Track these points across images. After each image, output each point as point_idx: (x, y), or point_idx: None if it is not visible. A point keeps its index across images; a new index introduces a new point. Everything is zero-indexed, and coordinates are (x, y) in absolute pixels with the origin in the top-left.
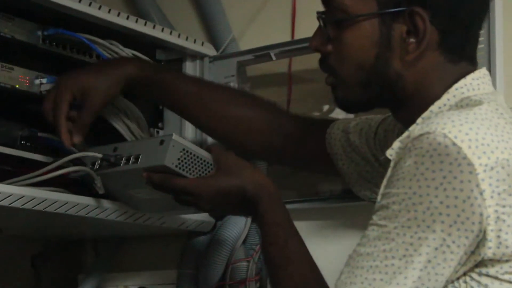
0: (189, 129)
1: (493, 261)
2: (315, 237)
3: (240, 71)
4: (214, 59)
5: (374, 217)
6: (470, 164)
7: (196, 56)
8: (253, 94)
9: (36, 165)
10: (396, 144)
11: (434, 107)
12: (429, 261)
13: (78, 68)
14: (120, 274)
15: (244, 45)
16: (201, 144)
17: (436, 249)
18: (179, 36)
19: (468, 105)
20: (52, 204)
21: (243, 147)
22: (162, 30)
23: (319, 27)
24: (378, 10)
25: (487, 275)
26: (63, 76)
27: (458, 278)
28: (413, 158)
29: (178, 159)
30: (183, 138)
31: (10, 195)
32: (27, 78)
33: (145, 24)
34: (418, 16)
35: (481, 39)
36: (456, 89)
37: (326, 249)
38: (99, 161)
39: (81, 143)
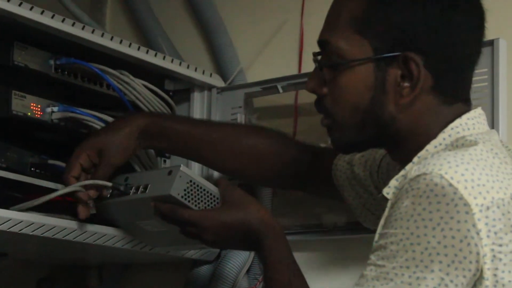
0: None
1: None
2: (317, 269)
3: (247, 103)
4: (222, 90)
5: (372, 257)
6: (466, 204)
7: (204, 87)
8: (260, 126)
9: (46, 192)
10: (393, 182)
11: (430, 146)
12: None
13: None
14: None
15: (251, 77)
16: (207, 176)
17: None
18: (188, 67)
19: (464, 145)
20: (50, 229)
21: (254, 178)
22: (172, 61)
23: (315, 68)
24: (373, 55)
25: None
26: (80, 143)
27: None
28: (411, 199)
29: (185, 190)
30: (191, 170)
31: (9, 220)
32: (39, 106)
33: (155, 55)
34: (412, 61)
35: (484, 77)
36: (452, 128)
37: (331, 282)
38: (110, 191)
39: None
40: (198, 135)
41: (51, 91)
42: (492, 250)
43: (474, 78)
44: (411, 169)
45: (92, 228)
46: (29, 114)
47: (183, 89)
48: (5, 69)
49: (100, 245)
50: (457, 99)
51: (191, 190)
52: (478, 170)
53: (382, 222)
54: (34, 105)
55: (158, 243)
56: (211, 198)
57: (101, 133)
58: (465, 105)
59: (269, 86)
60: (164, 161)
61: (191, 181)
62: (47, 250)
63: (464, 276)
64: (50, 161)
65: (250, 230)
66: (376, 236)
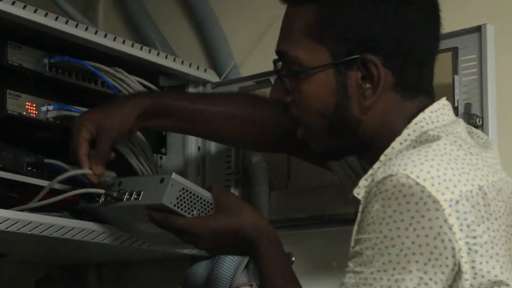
0: (192, 153)
1: None
2: (319, 260)
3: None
4: (216, 85)
5: (350, 264)
6: (435, 201)
7: (199, 82)
8: (257, 95)
9: (54, 194)
10: (362, 182)
11: (395, 143)
12: None
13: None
14: None
15: (245, 72)
16: (203, 176)
17: None
18: (182, 63)
19: (427, 140)
20: (48, 228)
21: (254, 146)
22: (166, 57)
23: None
24: (331, 60)
25: None
26: (77, 117)
27: None
28: (380, 202)
29: (177, 198)
30: (182, 177)
31: (7, 219)
32: (34, 105)
33: (149, 52)
34: (371, 62)
35: (472, 63)
36: (416, 123)
37: (332, 272)
38: (104, 196)
39: (107, 175)
40: (197, 111)
41: (46, 90)
42: (467, 243)
43: (462, 65)
44: (378, 170)
45: (90, 226)
46: (24, 113)
47: (178, 85)
48: None
49: (99, 243)
50: (420, 93)
51: (184, 197)
52: (443, 165)
53: (355, 227)
54: (29, 104)
55: (157, 242)
56: (204, 204)
57: (100, 109)
58: (428, 98)
59: (262, 80)
60: (161, 157)
61: (183, 188)
62: (46, 249)
63: (443, 272)
64: (47, 160)
65: (244, 236)
66: (352, 242)
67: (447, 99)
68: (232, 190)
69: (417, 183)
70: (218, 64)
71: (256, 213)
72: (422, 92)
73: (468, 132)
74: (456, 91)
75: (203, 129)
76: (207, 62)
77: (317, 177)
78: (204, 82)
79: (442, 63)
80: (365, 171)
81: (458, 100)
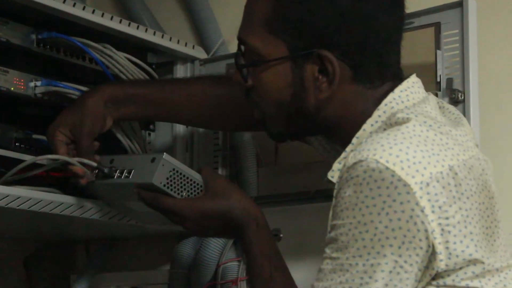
0: (180, 130)
1: (448, 271)
2: (309, 235)
3: (229, 74)
4: (204, 62)
5: (327, 250)
6: (406, 184)
7: (187, 59)
8: (225, 76)
9: (31, 167)
10: (336, 165)
11: (366, 125)
12: (386, 285)
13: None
14: (112, 274)
15: (233, 48)
16: (192, 152)
17: (390, 272)
18: (170, 39)
19: (397, 123)
20: (36, 203)
21: (225, 127)
22: (154, 34)
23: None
24: (288, 53)
25: (445, 285)
26: (49, 125)
27: None
28: (352, 188)
29: (167, 178)
30: (173, 158)
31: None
32: (22, 81)
33: (137, 28)
34: (326, 58)
35: (455, 38)
36: (386, 104)
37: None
38: (96, 171)
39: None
40: (165, 97)
41: (34, 66)
42: (440, 224)
43: (445, 40)
44: (349, 154)
45: (79, 201)
46: (12, 89)
47: (166, 61)
48: None
49: (87, 218)
50: (384, 80)
51: (174, 178)
52: (412, 148)
53: (331, 212)
54: (17, 79)
55: (145, 221)
56: (194, 186)
57: (67, 110)
58: (396, 82)
59: None
60: (149, 134)
61: (174, 169)
62: (34, 225)
63: (417, 255)
64: (35, 136)
65: (232, 220)
66: (328, 227)
67: (431, 75)
68: (220, 167)
69: (387, 168)
70: (206, 41)
71: (245, 196)
72: (387, 79)
73: (440, 107)
74: (439, 66)
75: (169, 115)
76: (195, 39)
77: (305, 153)
78: (192, 59)
79: (425, 38)
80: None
81: (440, 75)
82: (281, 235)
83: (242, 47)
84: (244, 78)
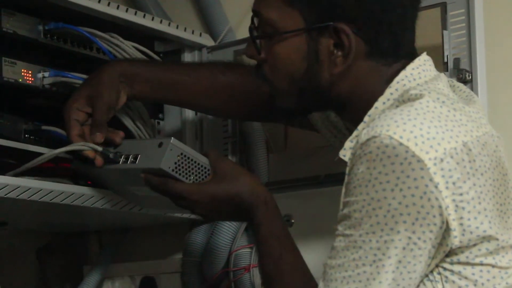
0: (189, 118)
1: (462, 248)
2: (320, 220)
3: (237, 60)
4: (212, 49)
5: (340, 228)
6: (419, 160)
7: (194, 46)
8: (235, 63)
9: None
10: (348, 144)
11: (378, 103)
12: (400, 262)
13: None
14: (125, 264)
15: (240, 35)
16: (201, 140)
17: (403, 248)
18: (177, 27)
19: (410, 99)
20: (47, 194)
21: (230, 114)
22: (161, 22)
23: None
24: (304, 26)
25: (459, 263)
26: (66, 102)
27: (432, 271)
28: (365, 164)
29: (175, 163)
30: (181, 142)
31: (6, 186)
32: (30, 72)
33: (144, 17)
34: (342, 31)
35: (461, 18)
36: (398, 82)
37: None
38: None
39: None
40: (176, 78)
41: (41, 57)
42: (454, 200)
43: (451, 20)
44: (362, 131)
45: (89, 191)
46: (20, 80)
47: (174, 50)
48: None
49: (98, 208)
50: (398, 58)
51: (182, 163)
52: (426, 123)
53: (343, 189)
54: (25, 71)
55: (149, 206)
56: (202, 170)
57: (82, 85)
58: (409, 60)
59: None
60: (158, 122)
61: (182, 153)
62: (46, 217)
63: (431, 231)
64: (44, 127)
65: (242, 202)
66: (341, 205)
67: (438, 55)
68: (229, 154)
69: (401, 144)
70: (213, 28)
71: (254, 179)
72: (401, 57)
73: (450, 86)
74: (446, 46)
75: (179, 98)
76: (202, 26)
77: (315, 139)
78: (200, 47)
79: (431, 19)
80: (350, 131)
81: (447, 56)
82: (293, 220)
83: (256, 21)
84: (257, 50)
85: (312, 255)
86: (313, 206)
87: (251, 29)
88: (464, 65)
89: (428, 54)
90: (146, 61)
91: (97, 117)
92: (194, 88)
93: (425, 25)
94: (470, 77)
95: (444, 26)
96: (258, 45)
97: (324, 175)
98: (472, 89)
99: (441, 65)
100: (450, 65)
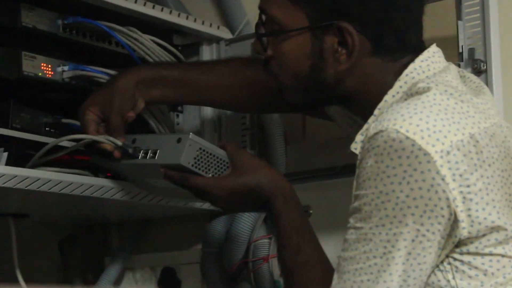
0: (208, 111)
1: (471, 239)
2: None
3: (254, 53)
4: (230, 42)
5: (351, 220)
6: (426, 153)
7: (213, 40)
8: (251, 57)
9: (60, 150)
10: (358, 137)
11: (388, 96)
12: (409, 253)
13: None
14: (146, 255)
15: None
16: (220, 132)
17: (412, 241)
18: (195, 20)
19: (417, 93)
20: (67, 186)
21: (252, 109)
22: (179, 15)
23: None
24: (308, 24)
25: (468, 253)
26: (81, 105)
27: (442, 261)
28: (373, 158)
29: (194, 158)
30: (199, 137)
31: (27, 178)
32: (49, 66)
33: (162, 10)
34: (345, 30)
35: (476, 8)
36: (407, 75)
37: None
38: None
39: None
40: (196, 78)
41: (60, 51)
42: (461, 192)
43: (466, 10)
44: (370, 127)
45: (109, 183)
46: (40, 74)
47: (192, 43)
48: (13, 31)
49: (118, 199)
50: (406, 53)
51: (201, 157)
52: (432, 116)
53: (354, 183)
54: (45, 65)
55: (173, 197)
56: (221, 164)
57: (98, 89)
58: (418, 53)
59: None
60: (177, 115)
61: (200, 148)
62: (67, 209)
63: (439, 223)
64: (64, 120)
65: (261, 194)
66: (352, 197)
67: (453, 46)
68: (248, 146)
69: (407, 137)
70: (231, 21)
71: (272, 170)
72: (408, 52)
73: (461, 77)
74: (460, 36)
75: (199, 98)
76: (220, 19)
77: (332, 129)
78: (218, 40)
79: (446, 9)
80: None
81: (462, 46)
82: (311, 211)
83: (263, 17)
84: (263, 47)
85: (330, 245)
86: (330, 197)
87: (257, 26)
88: (478, 55)
89: (443, 44)
90: (165, 64)
91: (112, 124)
92: (215, 87)
93: (441, 15)
94: (485, 67)
95: (459, 17)
96: (264, 42)
97: (341, 166)
98: (486, 79)
99: (456, 56)
100: (465, 55)
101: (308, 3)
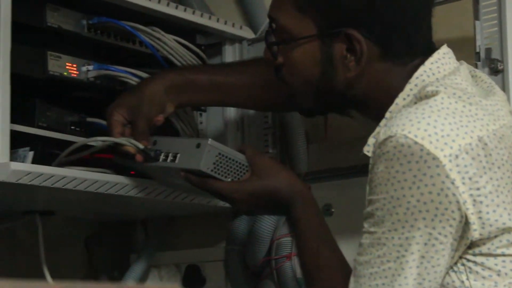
0: (231, 110)
1: (483, 240)
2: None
3: None
4: (252, 42)
5: (365, 225)
6: (435, 158)
7: (235, 39)
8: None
9: (84, 150)
10: (371, 140)
11: (399, 99)
12: (423, 257)
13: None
14: (171, 253)
15: None
16: (242, 131)
17: (425, 244)
18: (218, 20)
19: (426, 97)
20: (92, 184)
21: (283, 108)
22: (202, 15)
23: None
24: (316, 32)
25: (481, 254)
26: (109, 106)
27: (456, 263)
28: (383, 164)
29: (214, 163)
30: (217, 142)
31: (52, 176)
32: (74, 66)
33: (185, 10)
34: (354, 37)
35: (493, 8)
36: (417, 77)
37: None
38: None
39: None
40: (222, 81)
41: (85, 51)
42: (471, 195)
43: (483, 10)
44: (380, 132)
45: (133, 181)
46: (65, 74)
47: (214, 43)
48: (39, 31)
49: (142, 197)
50: (414, 57)
51: (220, 162)
52: (440, 121)
53: (367, 187)
54: (70, 65)
55: (190, 192)
56: (240, 168)
57: (127, 92)
58: (428, 56)
59: None
60: (200, 114)
61: (219, 153)
62: (92, 206)
63: (451, 226)
64: (89, 119)
65: (280, 198)
66: (366, 202)
67: (471, 46)
68: (270, 145)
69: (416, 142)
70: (253, 21)
71: (291, 174)
72: (418, 55)
73: (472, 76)
74: (478, 36)
75: (226, 99)
76: (242, 19)
77: (354, 128)
78: (240, 39)
79: (464, 9)
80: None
81: (479, 46)
82: (333, 210)
83: (273, 25)
84: (274, 55)
85: (351, 244)
86: (352, 195)
87: (267, 34)
88: (496, 55)
89: (460, 44)
90: (192, 69)
91: (138, 128)
92: (239, 88)
93: (458, 16)
94: (502, 66)
95: (476, 17)
96: (274, 50)
97: (362, 164)
98: (503, 78)
99: (473, 56)
100: (482, 55)
101: (316, 11)
